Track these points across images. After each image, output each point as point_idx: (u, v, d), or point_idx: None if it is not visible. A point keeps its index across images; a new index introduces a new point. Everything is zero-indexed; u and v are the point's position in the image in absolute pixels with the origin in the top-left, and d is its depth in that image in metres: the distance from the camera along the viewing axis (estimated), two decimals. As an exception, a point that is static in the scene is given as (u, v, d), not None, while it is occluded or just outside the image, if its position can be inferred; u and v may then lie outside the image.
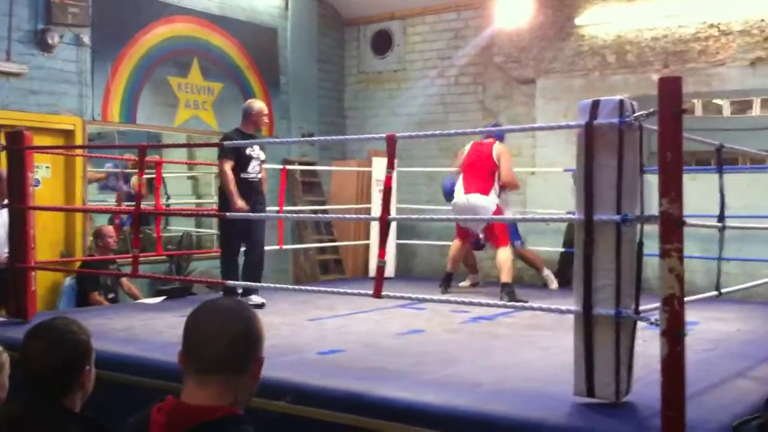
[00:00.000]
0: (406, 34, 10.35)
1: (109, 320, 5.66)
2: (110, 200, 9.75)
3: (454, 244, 7.67)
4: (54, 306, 7.40)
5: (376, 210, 8.14)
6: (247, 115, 6.67)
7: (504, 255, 7.12)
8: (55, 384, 2.48)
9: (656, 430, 2.90)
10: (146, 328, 5.37)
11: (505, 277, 7.01)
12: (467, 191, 7.19)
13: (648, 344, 3.50)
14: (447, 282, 7.49)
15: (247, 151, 6.53)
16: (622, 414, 3.18)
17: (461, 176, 7.35)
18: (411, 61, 10.31)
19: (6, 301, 5.81)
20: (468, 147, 7.46)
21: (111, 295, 7.50)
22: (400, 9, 10.28)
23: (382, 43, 10.53)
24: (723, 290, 4.42)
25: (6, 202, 5.82)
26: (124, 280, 7.61)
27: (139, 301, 7.40)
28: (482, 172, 7.21)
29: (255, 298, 6.34)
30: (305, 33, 10.23)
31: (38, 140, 6.53)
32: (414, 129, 9.22)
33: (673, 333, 2.91)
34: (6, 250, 5.92)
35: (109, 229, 7.55)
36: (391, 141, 4.17)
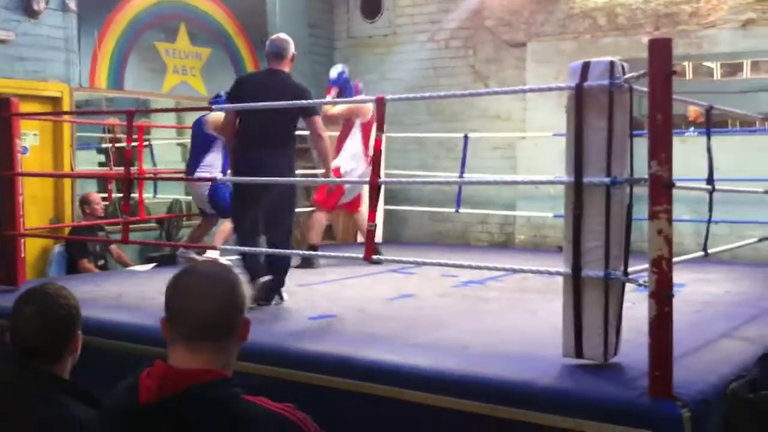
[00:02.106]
0: (396, -3, 10.25)
1: (98, 287, 5.66)
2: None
3: (322, 217, 7.19)
4: (43, 273, 7.38)
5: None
6: (288, 56, 5.13)
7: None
8: (46, 350, 2.47)
9: (644, 390, 2.93)
10: (136, 295, 5.37)
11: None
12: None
13: (636, 306, 3.52)
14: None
15: None
16: (611, 375, 3.21)
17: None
18: (401, 25, 10.21)
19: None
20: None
21: (101, 262, 7.49)
22: (390, -28, 10.17)
23: (372, 6, 10.41)
24: (709, 251, 4.45)
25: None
26: (113, 247, 7.59)
27: (128, 268, 7.40)
28: None
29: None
30: (294, -3, 10.11)
31: (25, 107, 6.47)
32: (404, 93, 9.15)
33: (661, 294, 2.93)
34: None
35: (96, 196, 7.51)
36: (380, 103, 4.16)
